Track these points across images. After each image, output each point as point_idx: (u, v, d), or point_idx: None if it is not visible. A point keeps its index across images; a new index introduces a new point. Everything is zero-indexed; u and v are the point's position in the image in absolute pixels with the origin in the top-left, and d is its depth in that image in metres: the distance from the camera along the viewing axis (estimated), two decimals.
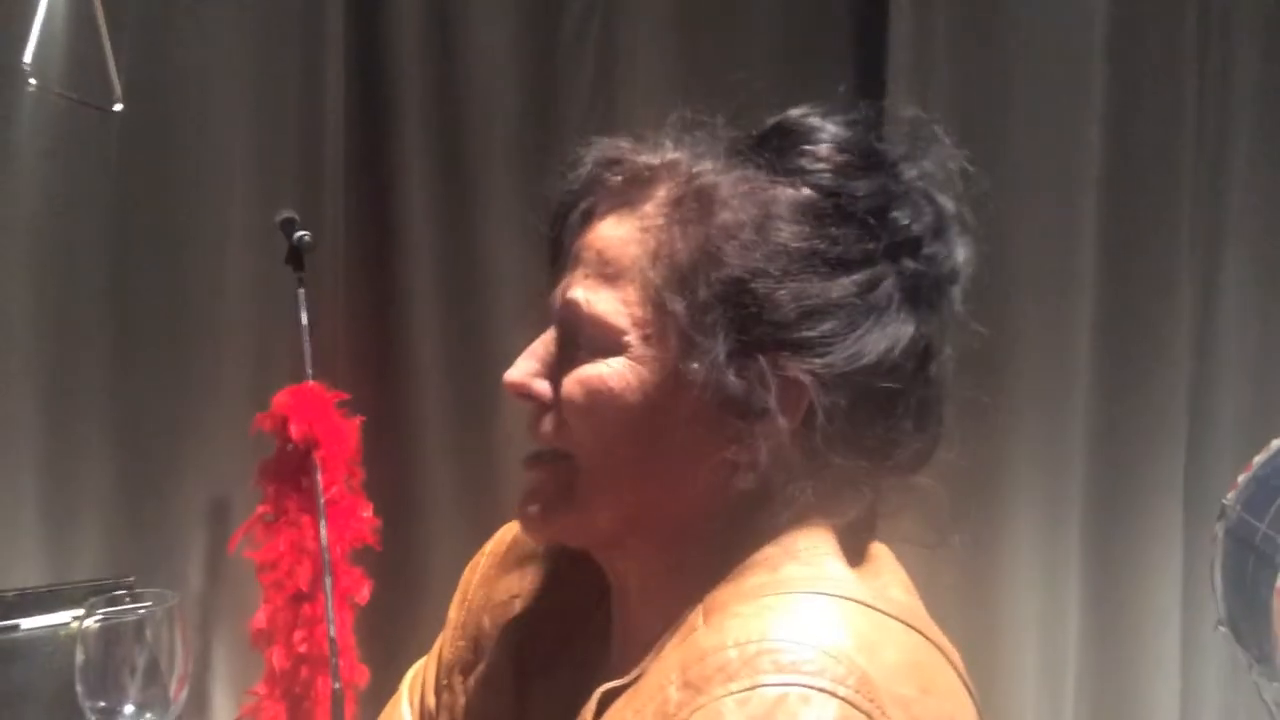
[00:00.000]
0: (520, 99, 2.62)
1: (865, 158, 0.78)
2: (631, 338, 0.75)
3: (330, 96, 2.57)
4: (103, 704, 1.12)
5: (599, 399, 0.76)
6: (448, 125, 2.60)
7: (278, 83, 2.55)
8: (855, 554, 0.78)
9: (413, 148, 2.59)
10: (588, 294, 0.77)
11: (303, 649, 2.33)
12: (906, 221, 0.77)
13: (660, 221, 0.76)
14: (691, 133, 0.80)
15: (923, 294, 0.77)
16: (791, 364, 0.74)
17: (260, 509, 2.38)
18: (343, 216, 2.61)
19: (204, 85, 2.51)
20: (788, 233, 0.74)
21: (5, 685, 1.68)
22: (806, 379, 0.74)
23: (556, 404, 0.78)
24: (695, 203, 0.76)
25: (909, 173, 0.79)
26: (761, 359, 0.73)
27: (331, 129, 2.58)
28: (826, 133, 0.78)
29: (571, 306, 0.77)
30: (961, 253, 0.80)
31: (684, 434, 0.75)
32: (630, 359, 0.75)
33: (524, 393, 0.79)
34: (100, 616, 1.15)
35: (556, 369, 0.78)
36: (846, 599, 0.72)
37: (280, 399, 2.33)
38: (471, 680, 0.91)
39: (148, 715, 1.14)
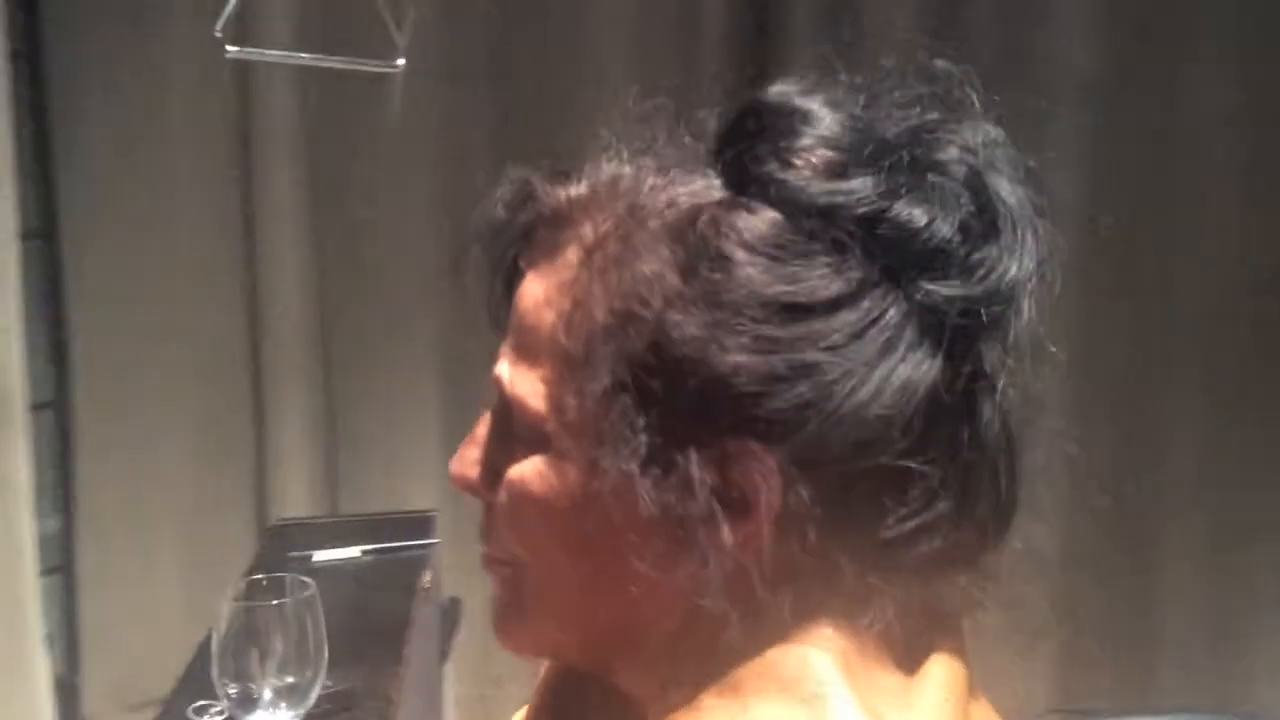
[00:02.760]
0: None
1: (864, 142, 0.58)
2: (552, 427, 0.60)
3: None
4: (237, 687, 1.11)
5: (522, 504, 0.61)
6: None
7: None
8: (879, 674, 0.59)
9: None
10: (510, 370, 0.62)
11: None
12: (921, 224, 0.56)
13: (574, 274, 0.59)
14: (637, 140, 0.63)
15: (952, 324, 0.56)
16: (745, 452, 0.56)
17: None
18: None
19: None
20: (739, 274, 0.56)
21: None
22: (769, 469, 0.56)
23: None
24: (616, 244, 0.58)
25: (937, 151, 0.58)
26: (693, 454, 0.56)
27: None
28: (813, 119, 0.58)
29: (497, 384, 0.63)
30: (1028, 259, 0.58)
31: (623, 545, 0.58)
32: (553, 455, 0.60)
33: (465, 487, 0.66)
34: (238, 598, 1.13)
35: (496, 457, 0.64)
36: None
37: None
38: None
39: (282, 705, 1.12)
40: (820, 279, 0.56)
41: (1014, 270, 0.57)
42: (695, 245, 0.57)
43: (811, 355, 0.55)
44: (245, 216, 2.59)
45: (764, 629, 0.58)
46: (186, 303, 2.59)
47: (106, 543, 2.61)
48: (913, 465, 0.56)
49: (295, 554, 1.79)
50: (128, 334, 2.57)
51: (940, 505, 0.58)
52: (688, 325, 0.55)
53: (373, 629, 1.51)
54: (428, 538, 1.85)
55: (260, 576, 1.14)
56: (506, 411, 0.62)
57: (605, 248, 0.59)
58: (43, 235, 2.56)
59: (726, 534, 0.56)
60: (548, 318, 0.60)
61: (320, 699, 1.28)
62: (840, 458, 0.56)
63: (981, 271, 0.56)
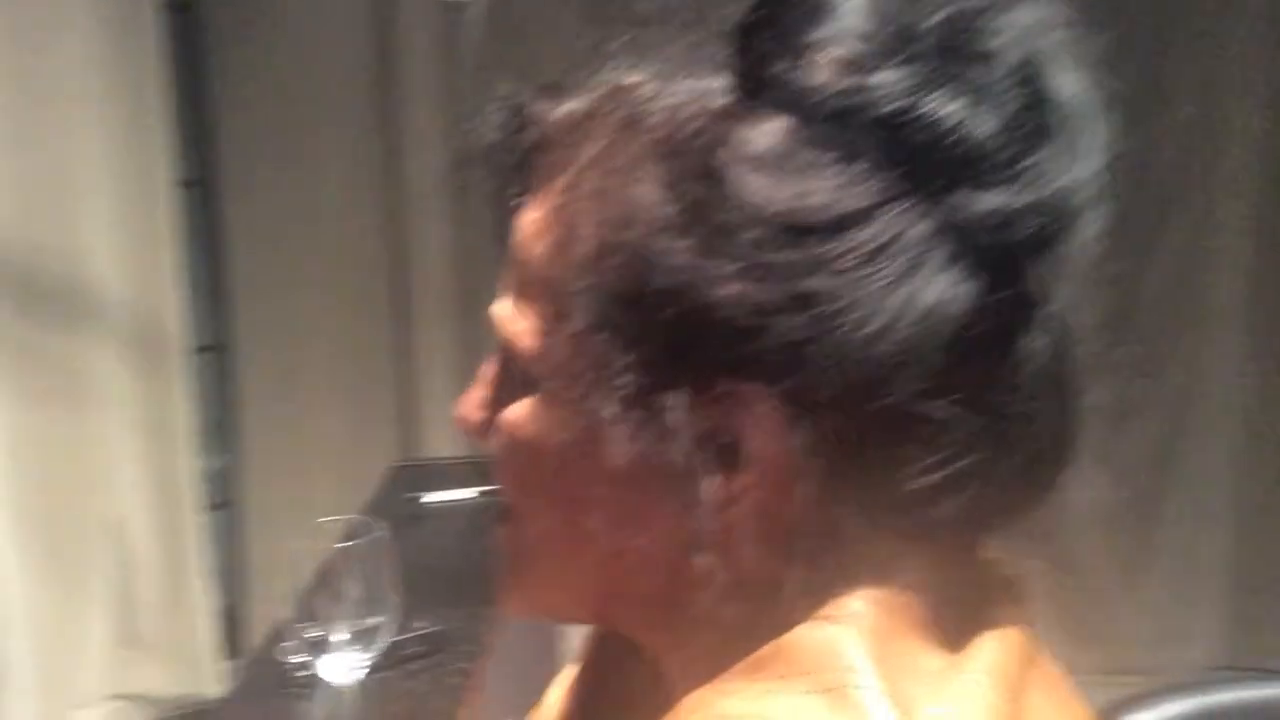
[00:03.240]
0: None
1: (893, 32, 0.49)
2: (541, 368, 0.55)
3: None
4: (311, 630, 1.11)
5: (513, 449, 0.57)
6: None
7: None
8: (917, 654, 0.52)
9: None
10: (505, 308, 0.57)
11: None
12: (952, 122, 0.47)
13: (565, 199, 0.54)
14: (644, 44, 0.55)
15: (994, 244, 0.49)
16: (736, 395, 0.50)
17: None
18: None
19: None
20: (733, 191, 0.49)
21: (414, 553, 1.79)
22: (764, 414, 0.49)
23: None
24: (605, 163, 0.52)
25: (982, 38, 0.49)
26: (677, 397, 0.50)
27: None
28: (833, 7, 0.50)
29: (495, 323, 0.58)
30: (1088, 163, 0.49)
31: (614, 496, 0.54)
32: (544, 396, 0.55)
33: (468, 430, 0.61)
34: (314, 541, 1.13)
35: (498, 400, 0.60)
36: None
37: None
38: None
39: (356, 647, 1.11)
40: (828, 194, 0.48)
41: (1069, 177, 0.48)
42: (687, 161, 0.49)
43: (813, 282, 0.47)
44: (389, 157, 2.62)
45: (782, 600, 0.51)
46: (335, 244, 2.65)
47: (269, 479, 2.71)
48: (938, 408, 0.48)
49: (408, 495, 1.79)
50: (283, 277, 2.65)
51: (973, 454, 0.49)
52: (673, 252, 0.49)
53: (477, 572, 1.49)
54: None
55: (331, 518, 1.13)
56: (505, 352, 0.57)
57: (595, 168, 0.52)
58: (201, 183, 2.66)
59: (716, 487, 0.50)
60: (538, 249, 0.54)
61: (409, 641, 1.27)
62: (849, 400, 0.48)
63: (1028, 179, 0.48)
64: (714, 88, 0.51)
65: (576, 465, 0.54)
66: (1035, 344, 0.50)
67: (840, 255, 0.47)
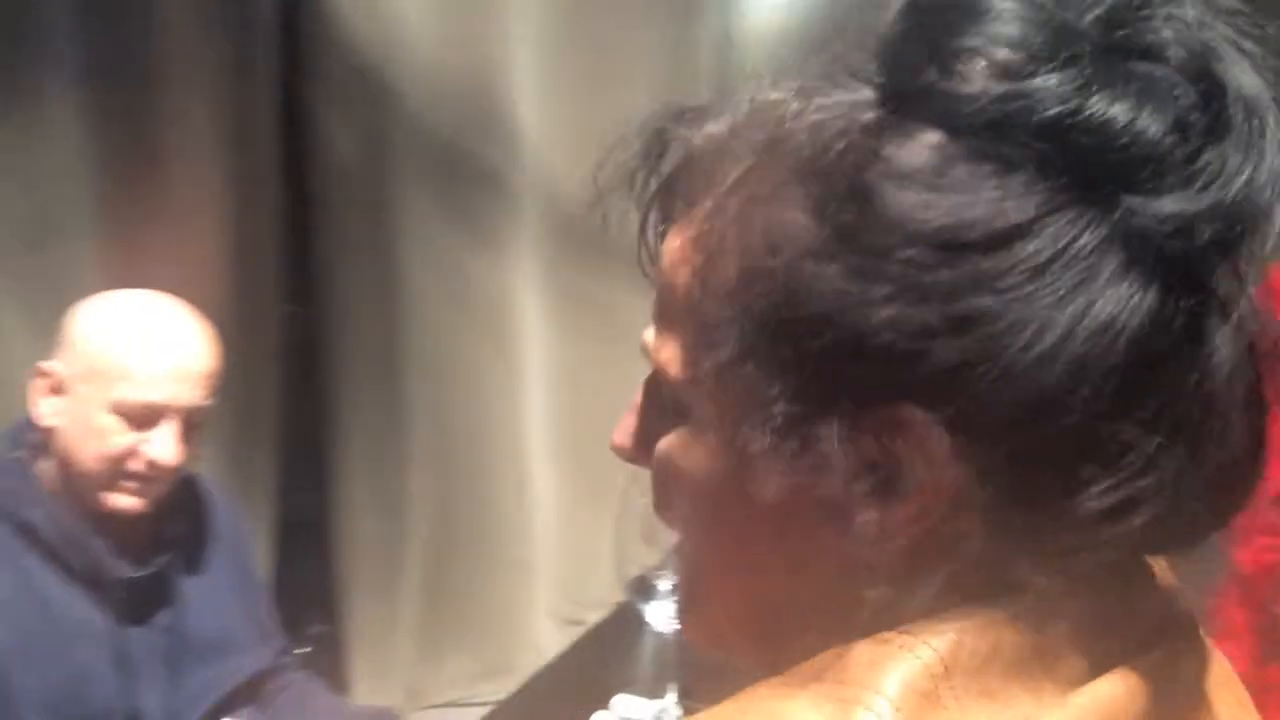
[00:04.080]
0: None
1: (1050, 35, 0.46)
2: (690, 397, 0.53)
3: None
4: (636, 575, 1.18)
5: (667, 478, 0.56)
6: None
7: None
8: (1011, 689, 0.48)
9: None
10: (654, 336, 0.56)
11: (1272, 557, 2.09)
12: (1121, 123, 0.44)
13: (709, 225, 0.52)
14: (794, 62, 0.52)
15: (1171, 250, 0.45)
16: (897, 422, 0.47)
17: None
18: None
19: None
20: (885, 210, 0.46)
21: None
22: (929, 441, 0.47)
23: None
24: (749, 186, 0.50)
25: (1147, 33, 0.46)
26: (832, 426, 0.48)
27: None
28: (984, 11, 0.47)
29: (644, 351, 0.57)
30: (1271, 160, 0.45)
31: (769, 528, 0.52)
32: (694, 426, 0.54)
33: (625, 458, 0.60)
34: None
35: (650, 427, 0.59)
36: None
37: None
38: None
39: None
40: (986, 207, 0.45)
41: (1248, 175, 0.45)
42: (834, 181, 0.48)
43: (975, 301, 0.45)
44: None
45: (879, 616, 0.49)
46: None
47: None
48: (1118, 429, 0.46)
49: None
50: None
51: (1153, 476, 0.46)
52: (823, 277, 0.47)
53: None
54: None
55: None
56: (655, 379, 0.57)
57: (738, 192, 0.51)
58: None
59: (876, 518, 0.48)
60: (683, 276, 0.53)
61: None
62: (1019, 425, 0.46)
63: (1205, 178, 0.45)
64: (860, 102, 0.49)
65: (729, 496, 0.53)
66: (1220, 355, 0.47)
67: (1004, 272, 0.45)
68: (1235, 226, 0.45)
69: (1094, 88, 0.44)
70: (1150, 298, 0.45)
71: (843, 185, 0.47)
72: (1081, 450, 0.46)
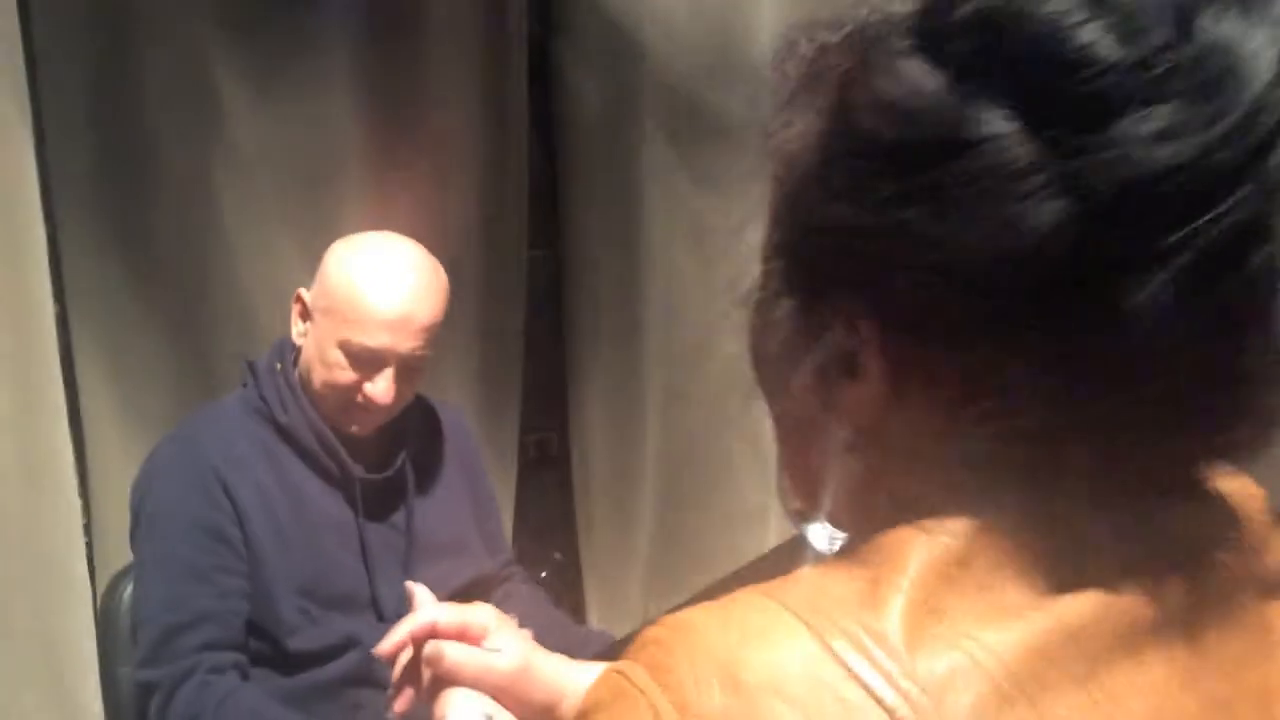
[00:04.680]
0: None
1: None
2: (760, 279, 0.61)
3: None
4: None
5: (754, 361, 0.63)
6: None
7: None
8: (1000, 583, 0.50)
9: None
10: None
11: None
12: (1086, 55, 0.46)
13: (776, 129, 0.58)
14: None
15: (1105, 182, 0.46)
16: (844, 311, 0.54)
17: None
18: None
19: None
20: (859, 120, 0.52)
21: None
22: (867, 329, 0.53)
23: None
24: (804, 94, 0.56)
25: None
26: (806, 311, 0.56)
27: None
28: None
29: None
30: (1236, 121, 0.45)
31: (800, 407, 0.58)
32: (760, 303, 0.61)
33: None
34: None
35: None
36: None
37: None
38: None
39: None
40: (937, 127, 0.49)
41: (1207, 133, 0.45)
42: (841, 96, 0.53)
43: (904, 212, 0.49)
44: None
45: (907, 511, 0.53)
46: None
47: None
48: (1027, 345, 0.48)
49: None
50: None
51: (1045, 406, 0.49)
52: (808, 179, 0.54)
53: None
54: None
55: None
56: None
57: (793, 103, 0.57)
58: None
59: (845, 396, 0.55)
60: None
61: None
62: (944, 326, 0.50)
63: (1155, 124, 0.45)
64: (876, 31, 0.54)
65: (775, 377, 0.60)
66: (1144, 296, 0.46)
67: (937, 187, 0.48)
68: (1173, 177, 0.45)
69: (1076, 15, 0.46)
70: (1078, 224, 0.46)
71: (844, 100, 0.52)
72: (998, 362, 0.49)
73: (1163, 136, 0.45)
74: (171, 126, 1.93)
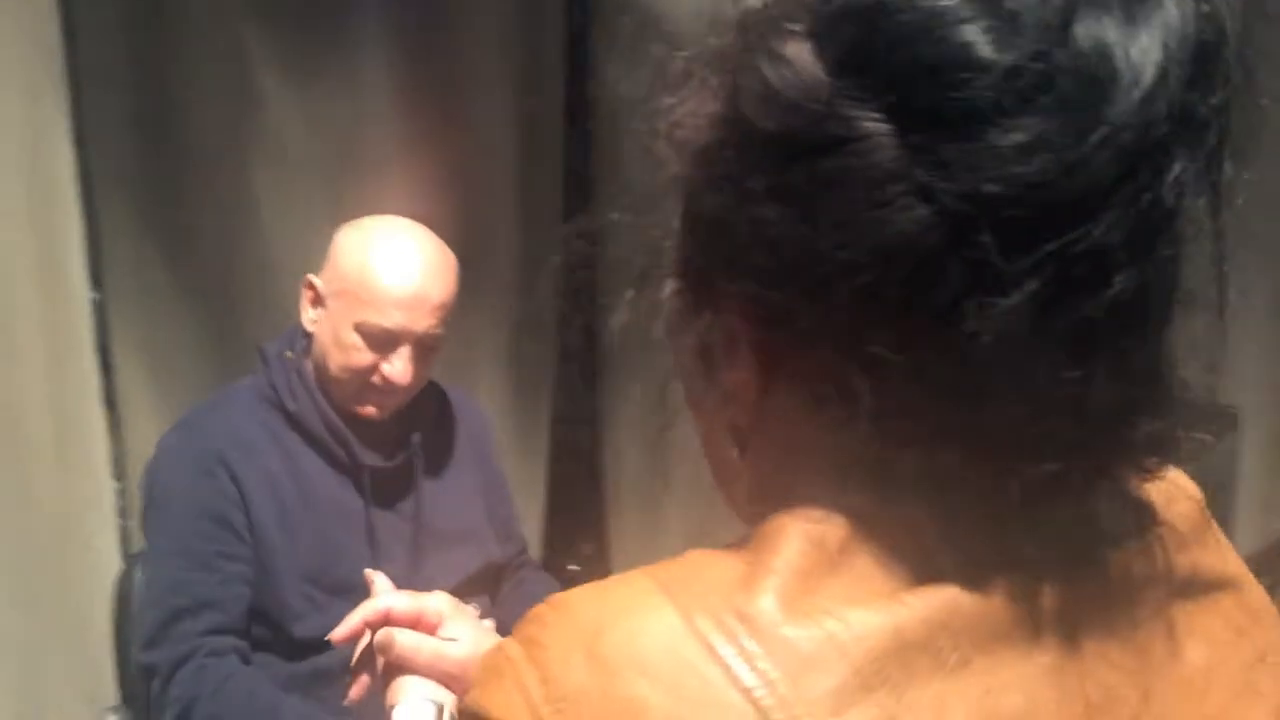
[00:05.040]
0: None
1: None
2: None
3: None
4: None
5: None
6: None
7: None
8: (868, 570, 0.50)
9: None
10: None
11: None
12: (962, 58, 0.44)
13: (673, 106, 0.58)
14: None
15: (964, 191, 0.44)
16: (714, 296, 0.54)
17: None
18: None
19: None
20: (740, 109, 0.51)
21: None
22: (736, 317, 0.53)
23: None
24: (703, 72, 0.56)
25: None
26: (686, 295, 0.56)
27: None
28: None
29: None
30: (1110, 133, 0.43)
31: (698, 393, 0.59)
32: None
33: None
34: None
35: None
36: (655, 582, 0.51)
37: None
38: None
39: None
40: (811, 124, 0.47)
41: (1077, 147, 0.43)
42: (734, 79, 0.52)
43: (769, 204, 0.48)
44: None
45: (789, 502, 0.53)
46: None
47: None
48: (875, 353, 0.47)
49: None
50: None
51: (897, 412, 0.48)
52: (695, 162, 0.54)
53: None
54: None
55: None
56: None
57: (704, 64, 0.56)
58: None
59: (727, 379, 0.55)
60: None
61: None
62: (800, 326, 0.50)
63: (1021, 135, 0.43)
64: (780, 9, 0.51)
65: (676, 356, 0.60)
66: (994, 316, 0.45)
67: (799, 184, 0.47)
68: (1037, 199, 0.43)
69: (959, 13, 0.44)
70: (934, 236, 0.44)
71: (730, 85, 0.51)
72: (861, 358, 0.48)
73: (1026, 150, 0.43)
74: (210, 116, 1.97)
